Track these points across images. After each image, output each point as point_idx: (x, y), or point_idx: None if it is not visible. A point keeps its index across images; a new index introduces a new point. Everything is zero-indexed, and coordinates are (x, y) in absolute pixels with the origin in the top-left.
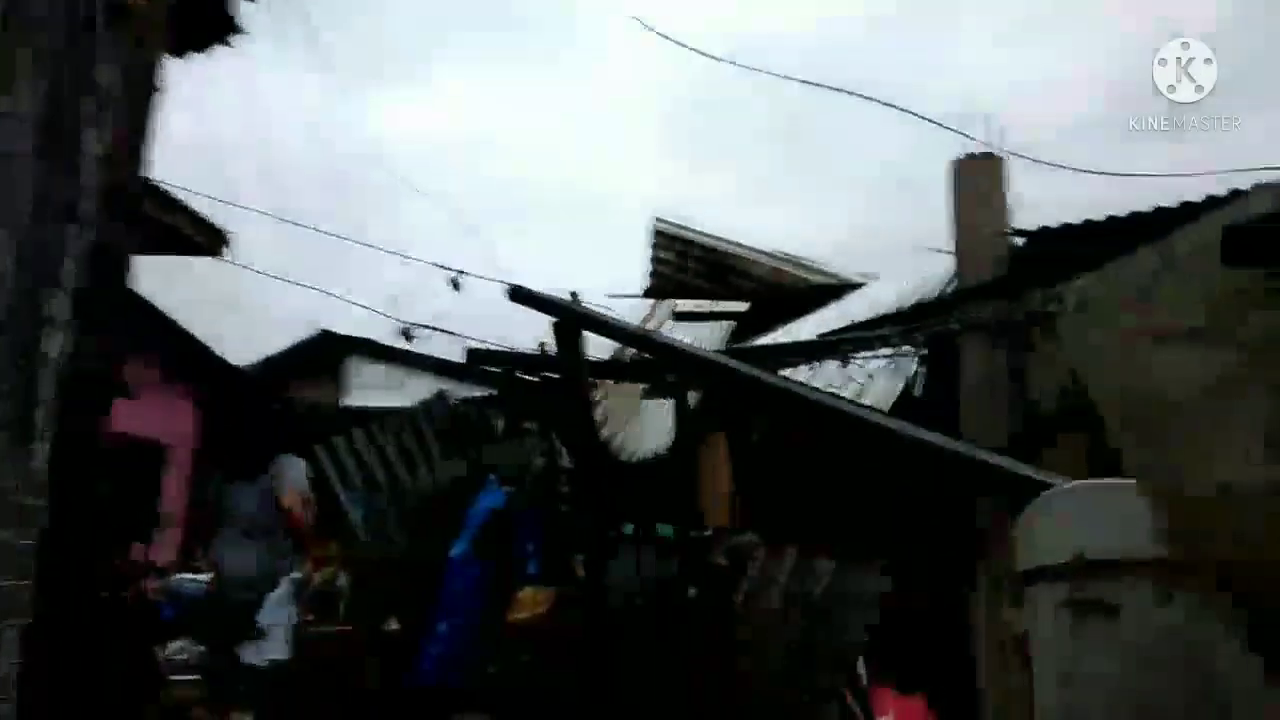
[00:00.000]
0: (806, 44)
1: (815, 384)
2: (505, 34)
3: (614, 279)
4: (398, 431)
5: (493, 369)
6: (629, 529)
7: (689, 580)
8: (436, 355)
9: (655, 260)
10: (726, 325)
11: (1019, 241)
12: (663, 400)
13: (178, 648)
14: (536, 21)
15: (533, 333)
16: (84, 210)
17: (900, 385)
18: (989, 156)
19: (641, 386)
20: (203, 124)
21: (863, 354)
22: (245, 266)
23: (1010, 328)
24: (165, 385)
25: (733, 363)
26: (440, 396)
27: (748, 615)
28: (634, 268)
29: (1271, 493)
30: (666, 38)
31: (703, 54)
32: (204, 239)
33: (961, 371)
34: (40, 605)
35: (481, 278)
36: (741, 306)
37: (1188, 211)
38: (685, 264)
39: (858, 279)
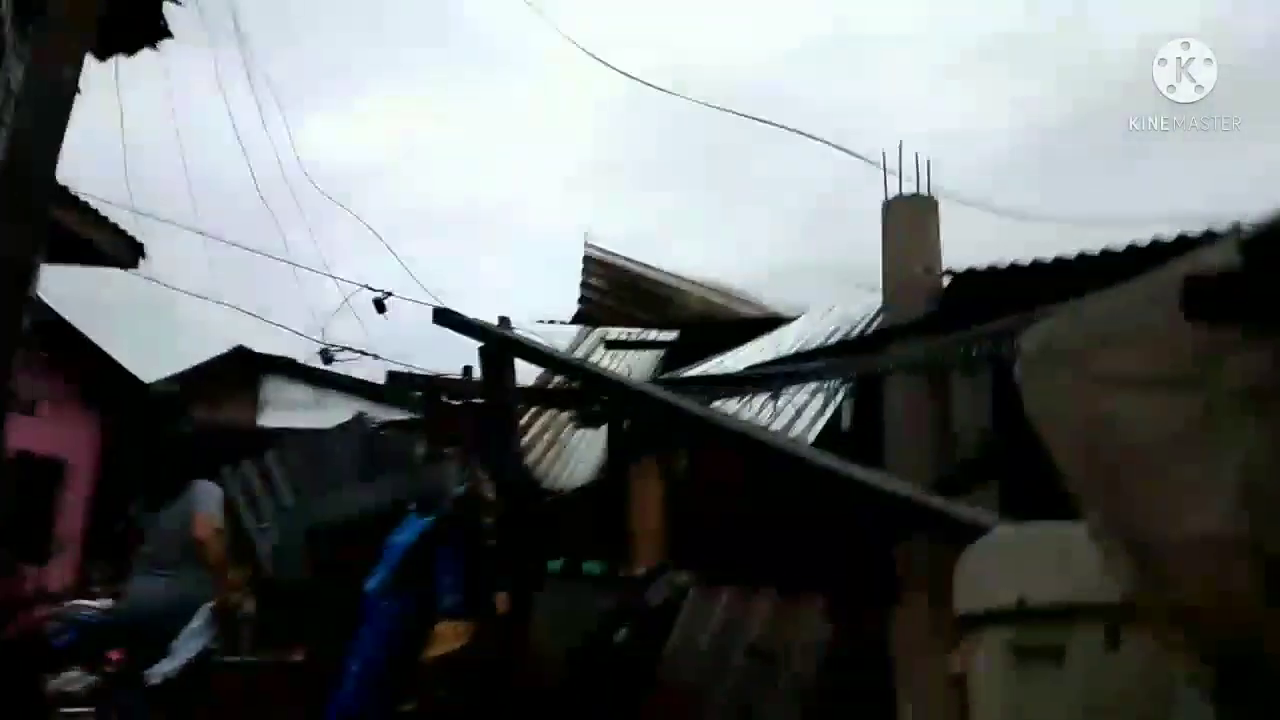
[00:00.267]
0: (740, 75)
1: (744, 416)
2: (437, 55)
3: (543, 306)
4: (312, 455)
5: (414, 393)
6: (555, 565)
7: (618, 621)
8: (357, 377)
9: (585, 286)
10: (656, 355)
11: (947, 281)
12: (591, 430)
13: (71, 678)
14: (470, 43)
15: (459, 359)
16: None
17: (826, 420)
18: (922, 197)
19: (569, 415)
20: (123, 132)
21: (792, 387)
22: (160, 282)
23: (937, 368)
24: (68, 400)
25: (662, 393)
26: (359, 419)
27: (681, 660)
28: (564, 295)
29: (1243, 544)
30: (608, 65)
31: (648, 84)
32: (119, 251)
33: (886, 410)
34: None
35: (407, 299)
36: (671, 336)
37: (1123, 256)
38: (616, 291)
39: (788, 312)
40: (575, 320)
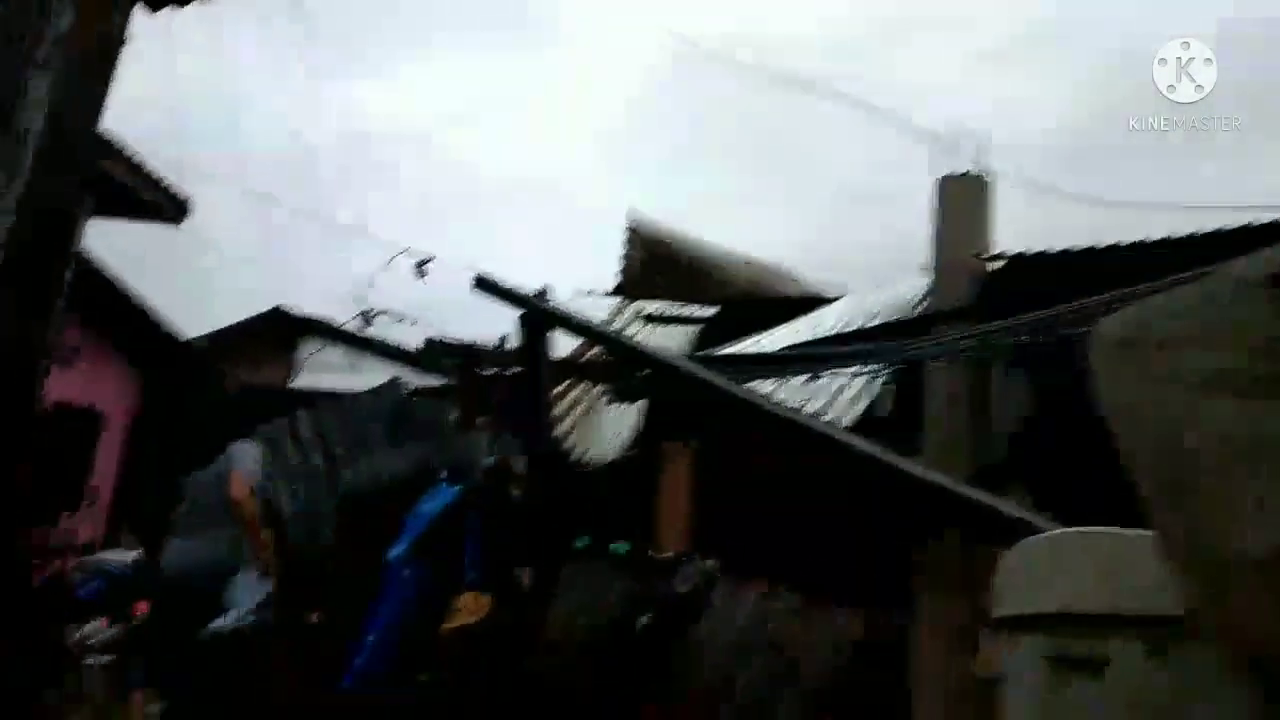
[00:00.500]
0: (785, 56)
1: (780, 397)
2: (487, 24)
3: (583, 278)
4: (343, 418)
5: (450, 360)
6: (582, 542)
7: (643, 606)
8: (394, 342)
9: (627, 259)
10: (694, 330)
11: (998, 265)
12: (624, 405)
13: (95, 629)
14: (519, 13)
15: (497, 329)
16: (19, 161)
17: (865, 405)
18: (974, 177)
19: (603, 389)
20: (172, 86)
21: (831, 370)
22: (205, 238)
23: (981, 357)
24: (105, 352)
25: (699, 369)
26: (393, 384)
27: (705, 651)
28: (604, 268)
29: None
30: (683, 42)
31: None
32: (164, 205)
33: (927, 398)
34: None
35: (446, 264)
36: (710, 311)
37: (1184, 245)
38: (656, 264)
39: (830, 292)
40: (615, 292)
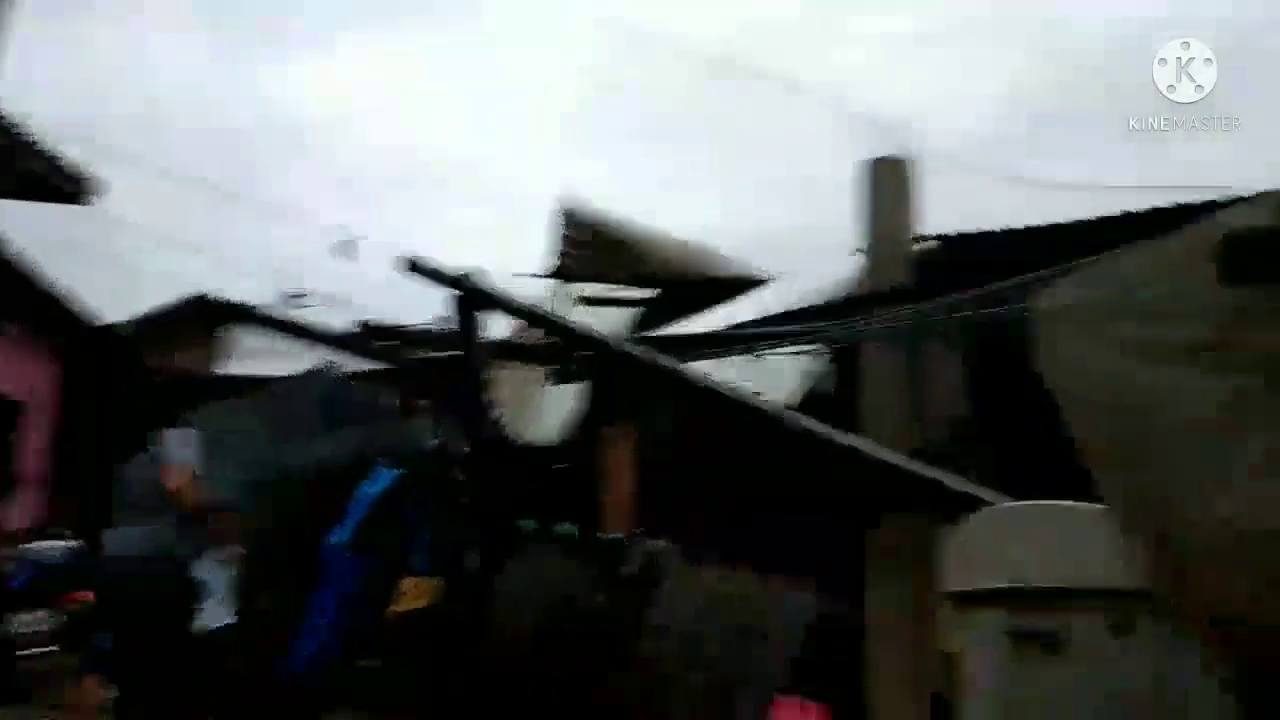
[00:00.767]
0: (720, 42)
1: (721, 377)
2: (420, 7)
3: (517, 261)
4: (273, 404)
5: (385, 343)
6: (528, 525)
7: (592, 588)
8: (324, 326)
9: (562, 241)
10: (632, 312)
11: (930, 246)
12: (565, 387)
13: (32, 619)
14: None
15: (429, 311)
16: None
17: (806, 384)
18: (900, 159)
19: (542, 371)
20: (81, 66)
21: (771, 350)
22: (129, 222)
23: (915, 336)
24: (23, 340)
25: (640, 350)
26: (325, 369)
27: (659, 633)
28: (538, 251)
29: (1276, 535)
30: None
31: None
32: (69, 186)
33: (863, 377)
34: None
35: (378, 247)
36: (648, 294)
37: (1112, 222)
38: (592, 246)
39: (766, 274)
40: (551, 275)
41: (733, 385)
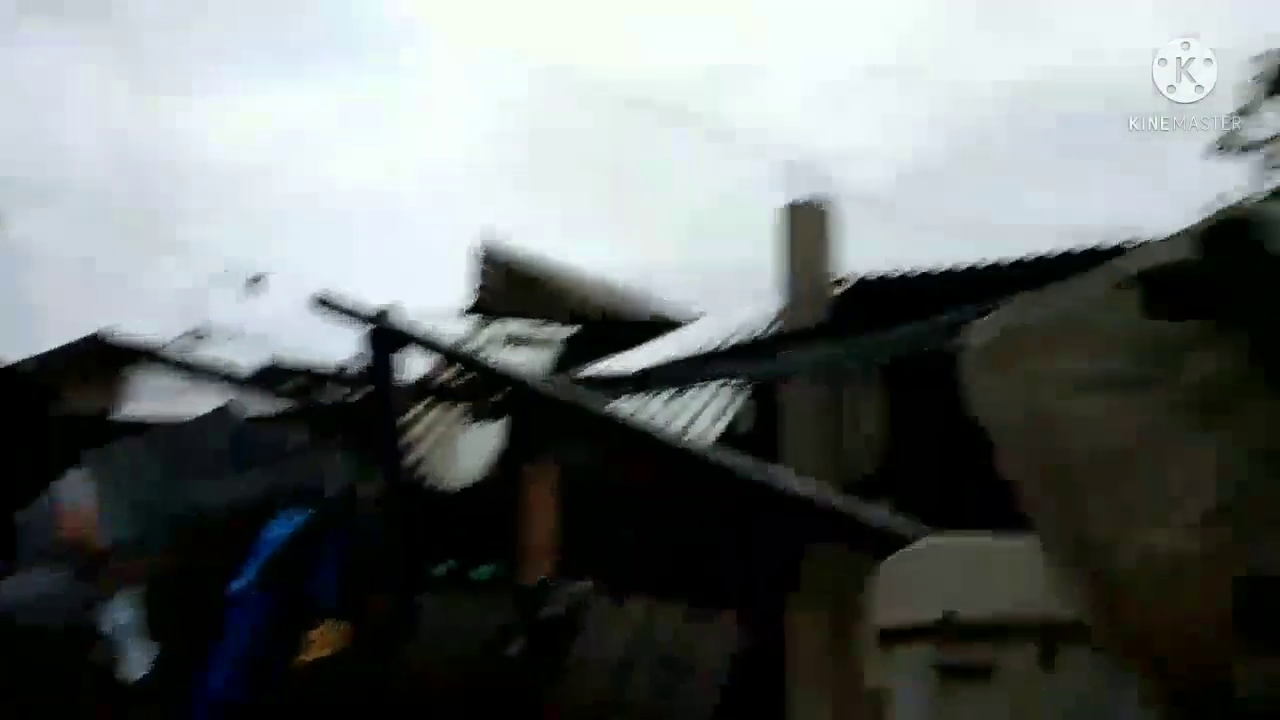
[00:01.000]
0: (635, 88)
1: (642, 416)
2: (332, 50)
3: (434, 301)
4: (175, 445)
5: (293, 382)
6: (445, 568)
7: (512, 634)
8: (230, 365)
9: (479, 280)
10: (551, 351)
11: (846, 287)
12: (482, 427)
13: None
14: (365, 38)
15: (339, 350)
16: None
17: (725, 422)
18: (818, 203)
19: (459, 411)
20: None
21: (690, 389)
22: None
23: (833, 374)
24: None
25: (562, 388)
26: (228, 408)
27: (582, 675)
28: (456, 291)
29: (1209, 562)
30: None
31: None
32: None
33: (784, 415)
34: None
35: (286, 285)
36: (568, 332)
37: (1018, 267)
38: (509, 285)
39: (685, 314)
40: (469, 312)
41: (653, 423)
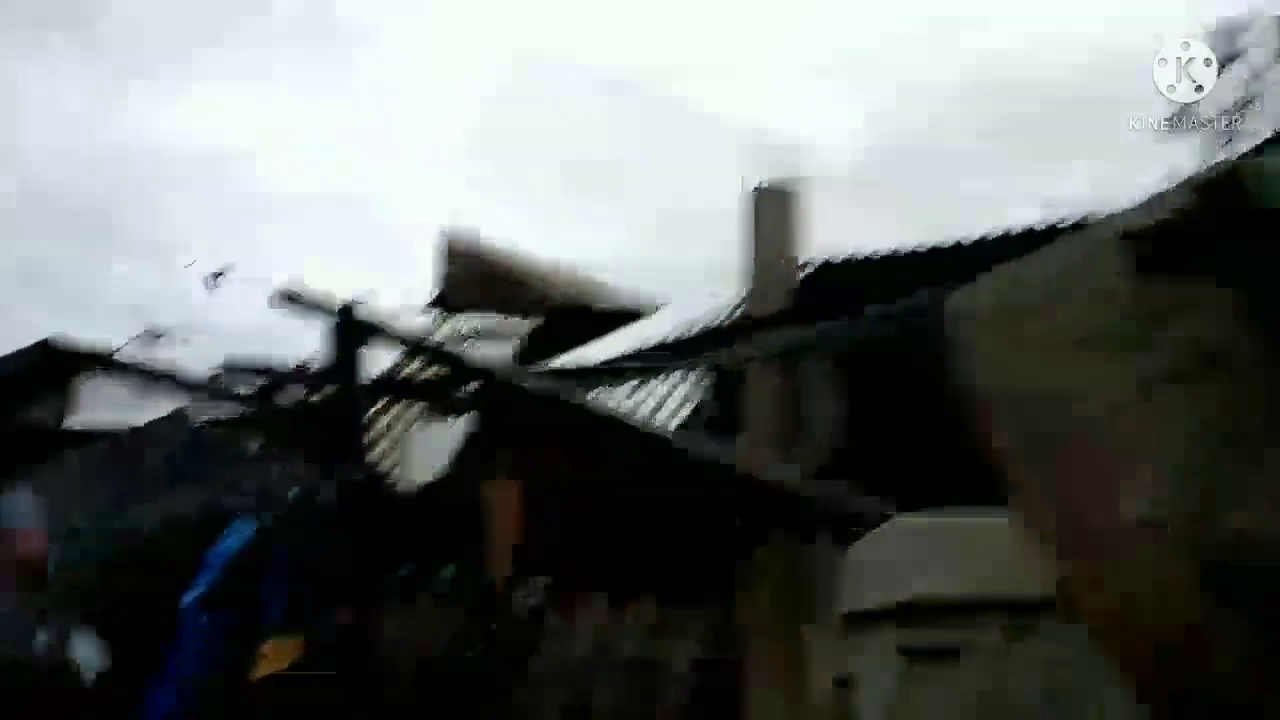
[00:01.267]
0: (604, 70)
1: (607, 405)
2: (300, 40)
3: (398, 294)
4: (123, 456)
5: (248, 384)
6: (405, 571)
7: (473, 637)
8: (184, 369)
9: (443, 272)
10: (516, 344)
11: (811, 272)
12: (444, 425)
13: None
14: (332, 29)
15: (299, 349)
16: None
17: (687, 412)
18: (784, 187)
19: (420, 409)
20: None
21: (653, 380)
22: None
23: (795, 360)
24: None
25: (532, 380)
26: (180, 414)
27: (546, 678)
28: (419, 287)
29: (1181, 531)
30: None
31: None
32: None
33: (746, 403)
34: None
35: (247, 283)
36: (531, 325)
37: (984, 245)
38: (475, 277)
39: (651, 304)
40: (432, 305)
41: (622, 412)
